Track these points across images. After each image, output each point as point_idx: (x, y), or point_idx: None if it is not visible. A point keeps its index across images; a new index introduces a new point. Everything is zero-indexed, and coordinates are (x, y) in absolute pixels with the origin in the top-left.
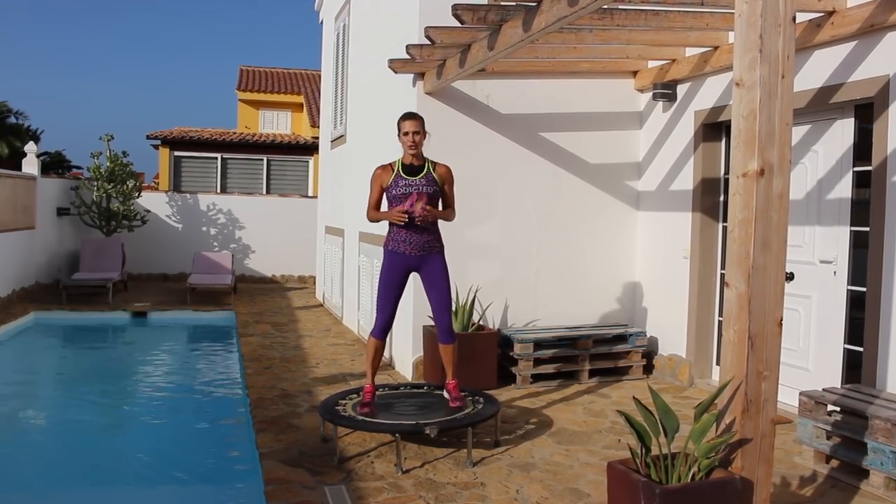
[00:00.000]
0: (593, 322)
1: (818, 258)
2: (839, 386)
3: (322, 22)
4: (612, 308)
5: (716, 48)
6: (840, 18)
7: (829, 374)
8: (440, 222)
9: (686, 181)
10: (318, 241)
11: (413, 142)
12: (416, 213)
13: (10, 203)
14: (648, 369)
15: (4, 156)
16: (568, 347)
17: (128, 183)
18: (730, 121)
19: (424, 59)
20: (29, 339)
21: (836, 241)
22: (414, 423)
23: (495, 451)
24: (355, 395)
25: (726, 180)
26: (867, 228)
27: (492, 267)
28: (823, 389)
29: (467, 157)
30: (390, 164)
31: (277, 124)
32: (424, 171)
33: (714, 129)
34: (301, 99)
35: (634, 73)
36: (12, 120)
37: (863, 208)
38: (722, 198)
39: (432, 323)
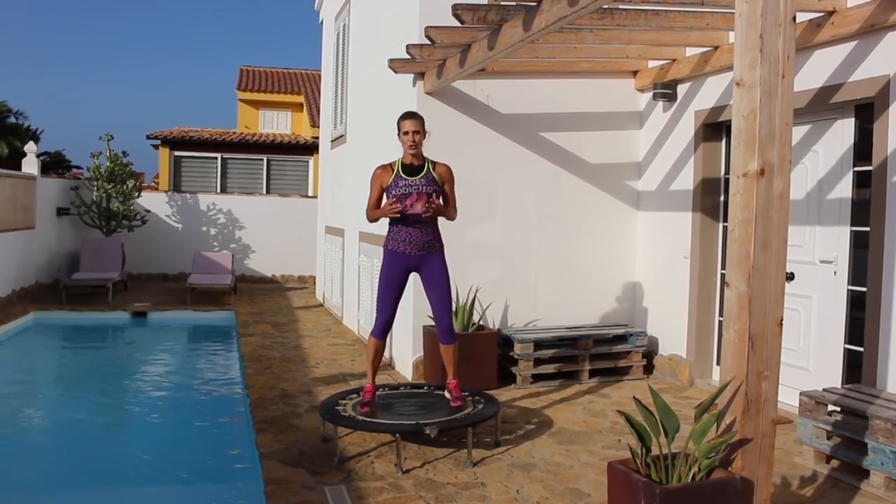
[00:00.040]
0: (593, 322)
1: (818, 258)
2: (839, 386)
3: (322, 22)
4: (613, 308)
5: (716, 48)
6: (840, 18)
7: (829, 374)
8: (440, 222)
9: (686, 181)
10: (318, 240)
11: (413, 141)
12: (417, 212)
13: (10, 203)
14: (649, 369)
15: (4, 156)
16: (568, 347)
17: (128, 183)
18: (730, 121)
19: (424, 58)
20: (29, 339)
21: (836, 241)
22: (414, 423)
23: (495, 451)
24: (355, 395)
25: (726, 180)
26: (867, 228)
27: (492, 267)
28: (824, 389)
29: (467, 157)
30: (390, 164)
31: (277, 124)
32: (424, 171)
33: (714, 128)
34: (301, 99)
35: (635, 73)
36: (12, 120)
37: (863, 208)
38: (722, 198)
39: (432, 323)
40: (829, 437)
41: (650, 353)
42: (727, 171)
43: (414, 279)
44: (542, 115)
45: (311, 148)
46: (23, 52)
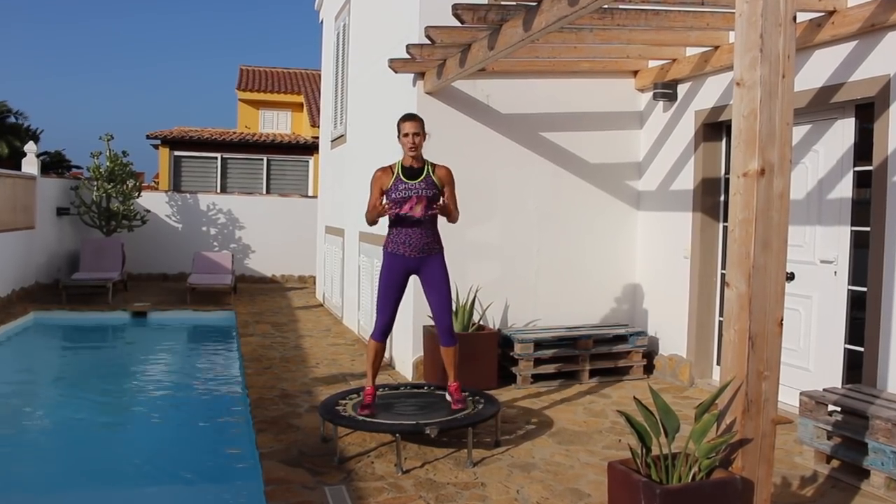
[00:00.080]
0: (594, 322)
1: (819, 258)
2: (840, 386)
3: (322, 21)
4: (613, 308)
5: (716, 48)
6: (840, 18)
7: (829, 374)
8: (439, 224)
9: (686, 181)
10: (319, 240)
11: (413, 143)
12: (417, 215)
13: (10, 203)
14: (649, 369)
15: (4, 155)
16: (568, 347)
17: (128, 183)
18: (730, 120)
19: (424, 58)
20: (29, 339)
21: (836, 240)
22: (414, 423)
23: (496, 452)
24: (355, 395)
25: (727, 180)
26: (868, 228)
27: (492, 267)
28: (824, 389)
29: (467, 157)
30: (390, 167)
31: (277, 124)
32: (424, 175)
33: (714, 128)
34: (301, 99)
35: (635, 73)
36: (12, 120)
37: (863, 208)
38: (722, 197)
39: (433, 323)
40: (829, 437)
41: (650, 353)
42: (727, 171)
43: (414, 280)
44: (542, 115)
45: (311, 148)
46: (23, 52)
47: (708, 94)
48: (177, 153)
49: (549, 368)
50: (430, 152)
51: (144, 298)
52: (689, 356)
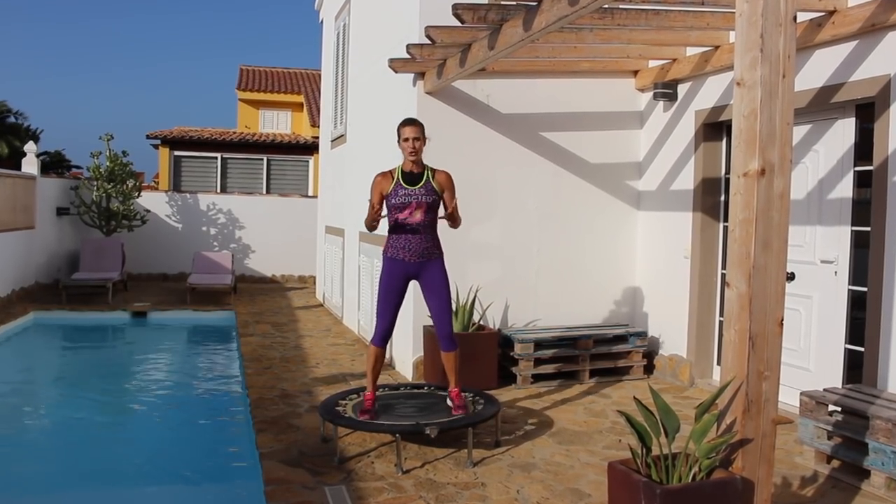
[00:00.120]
0: (594, 322)
1: (819, 258)
2: (840, 386)
3: (322, 21)
4: (613, 308)
5: (716, 48)
6: (841, 18)
7: (830, 374)
8: (439, 228)
9: (687, 181)
10: (319, 240)
11: (413, 148)
12: (416, 221)
13: (10, 203)
14: (649, 369)
15: (4, 155)
16: (568, 347)
17: (127, 183)
18: (731, 120)
19: (425, 58)
20: (28, 339)
21: (837, 240)
22: (414, 423)
23: (496, 452)
24: (356, 396)
25: (727, 180)
26: (868, 228)
27: (492, 267)
28: (824, 389)
29: (468, 157)
30: (390, 172)
31: (277, 124)
32: (424, 181)
33: (715, 128)
34: (301, 98)
35: (635, 73)
36: (12, 120)
37: (864, 208)
38: (723, 197)
39: (433, 323)
40: (829, 438)
41: (650, 353)
42: (727, 171)
43: (414, 283)
44: (542, 115)
45: (311, 148)
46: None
47: (708, 94)
48: (177, 153)
49: (550, 368)
50: (430, 152)
51: (144, 298)
52: (689, 356)
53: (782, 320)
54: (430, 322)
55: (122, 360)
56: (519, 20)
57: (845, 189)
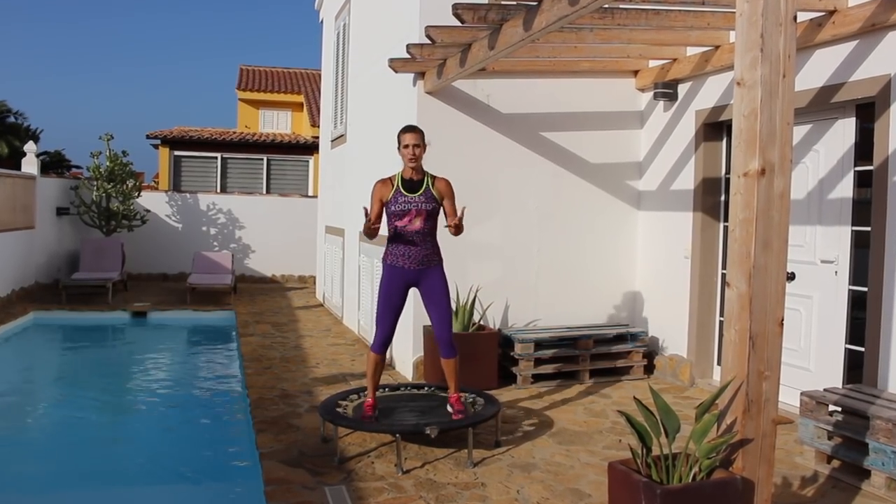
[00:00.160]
0: (594, 322)
1: (819, 258)
2: (840, 386)
3: (322, 21)
4: (613, 308)
5: (717, 47)
6: (841, 18)
7: (830, 374)
8: (438, 233)
9: (687, 181)
10: (319, 240)
11: (413, 154)
12: (416, 229)
13: (10, 203)
14: (649, 369)
15: (4, 155)
16: (569, 347)
17: (127, 182)
18: (731, 120)
19: (425, 58)
20: (28, 339)
21: (837, 240)
22: (414, 423)
23: (496, 452)
24: (356, 396)
25: (727, 180)
26: (868, 228)
27: (492, 267)
28: (825, 389)
29: (468, 157)
30: (390, 178)
31: (277, 124)
32: (423, 188)
33: (715, 128)
34: (301, 98)
35: (635, 73)
36: (11, 119)
37: (864, 208)
38: (723, 197)
39: (433, 329)
40: (829, 438)
41: (651, 353)
42: (728, 171)
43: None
44: (542, 115)
45: (311, 148)
46: (23, 52)
47: (708, 94)
48: (177, 153)
49: (550, 368)
50: (430, 152)
51: (144, 298)
52: (689, 356)
53: (782, 320)
54: (430, 322)
55: (122, 360)
56: (519, 20)
57: (845, 189)
